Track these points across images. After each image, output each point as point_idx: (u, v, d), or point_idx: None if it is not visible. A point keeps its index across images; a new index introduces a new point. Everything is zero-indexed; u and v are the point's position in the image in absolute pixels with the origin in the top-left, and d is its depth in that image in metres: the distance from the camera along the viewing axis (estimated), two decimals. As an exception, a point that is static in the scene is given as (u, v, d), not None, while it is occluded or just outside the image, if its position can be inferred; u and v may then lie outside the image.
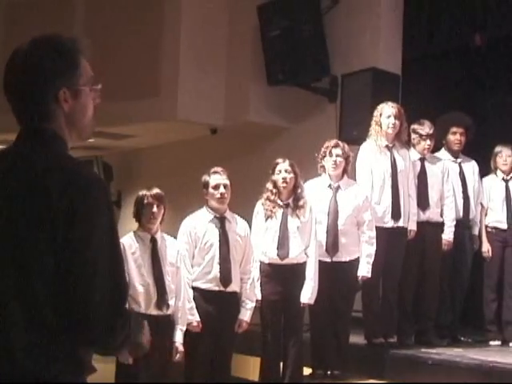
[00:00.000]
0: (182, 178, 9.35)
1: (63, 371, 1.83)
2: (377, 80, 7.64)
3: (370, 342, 6.28)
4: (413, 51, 8.18)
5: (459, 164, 6.92)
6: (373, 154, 6.25)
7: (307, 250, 5.79)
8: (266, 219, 5.81)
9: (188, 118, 8.92)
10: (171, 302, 5.18)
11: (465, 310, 7.01)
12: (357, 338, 6.33)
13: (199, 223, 5.58)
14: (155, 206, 5.20)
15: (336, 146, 6.04)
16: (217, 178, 5.56)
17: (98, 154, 11.08)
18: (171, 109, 8.83)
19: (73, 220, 1.82)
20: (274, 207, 5.79)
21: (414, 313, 6.53)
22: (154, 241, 5.23)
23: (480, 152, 7.21)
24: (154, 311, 5.09)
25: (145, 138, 10.18)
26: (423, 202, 6.49)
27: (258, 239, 5.79)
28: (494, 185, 7.02)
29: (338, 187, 6.06)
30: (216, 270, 5.49)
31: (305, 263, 5.78)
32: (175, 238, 5.51)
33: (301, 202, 5.79)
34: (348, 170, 6.12)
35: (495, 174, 7.06)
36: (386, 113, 6.25)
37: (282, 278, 5.77)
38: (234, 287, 5.54)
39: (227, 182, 5.57)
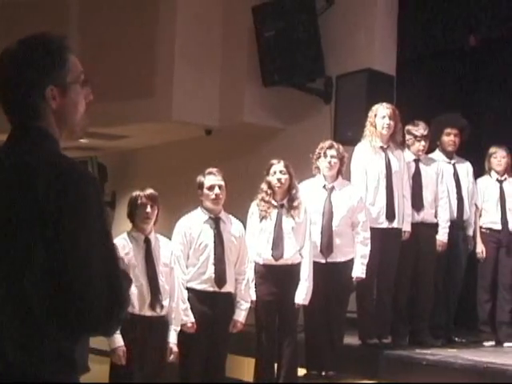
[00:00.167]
0: (176, 178, 9.35)
1: (55, 371, 1.83)
2: (371, 81, 7.65)
3: (365, 343, 6.29)
4: (407, 52, 8.20)
5: (453, 165, 6.93)
6: (367, 155, 6.26)
7: (302, 251, 5.80)
8: (261, 220, 5.81)
9: (183, 118, 8.92)
10: (165, 303, 5.17)
11: (459, 311, 7.03)
12: (351, 339, 6.34)
13: (194, 224, 5.58)
14: (149, 207, 5.20)
15: (331, 146, 6.04)
16: (212, 179, 5.57)
17: (93, 154, 11.08)
18: (166, 109, 8.83)
19: (62, 217, 1.82)
20: (268, 208, 5.80)
21: (408, 313, 6.54)
22: (147, 241, 5.23)
23: (474, 153, 7.23)
24: (147, 312, 5.08)
25: (139, 138, 10.18)
26: (417, 203, 6.50)
27: (253, 240, 5.79)
28: (488, 186, 7.04)
29: (333, 188, 6.06)
30: (211, 271, 5.50)
31: (299, 264, 5.78)
32: (170, 238, 5.51)
33: (295, 203, 5.80)
34: (342, 170, 6.13)
35: (489, 174, 7.07)
36: (381, 113, 6.25)
37: (276, 278, 5.77)
38: (228, 288, 5.54)
39: (222, 183, 5.57)
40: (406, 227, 6.33)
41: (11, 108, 2.00)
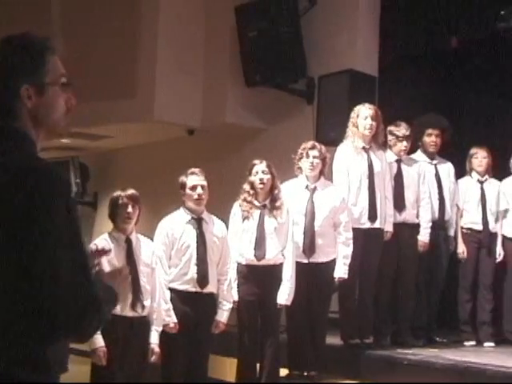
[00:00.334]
0: (159, 178, 9.33)
1: (30, 372, 1.82)
2: (354, 82, 7.67)
3: (347, 343, 6.30)
4: (389, 53, 8.22)
5: (435, 166, 6.96)
6: (350, 156, 6.27)
7: (284, 251, 5.80)
8: (243, 220, 5.81)
9: (165, 118, 8.91)
10: (146, 303, 5.16)
11: (440, 311, 7.06)
12: (333, 339, 6.35)
13: (176, 224, 5.57)
14: (130, 207, 5.19)
15: (313, 147, 6.05)
16: (194, 179, 5.56)
17: (75, 154, 11.04)
18: (148, 110, 8.81)
19: (30, 219, 1.80)
20: (250, 208, 5.80)
21: (390, 314, 6.57)
22: (128, 241, 5.22)
23: (456, 154, 7.27)
24: (129, 312, 5.06)
25: (122, 138, 10.15)
26: (399, 204, 6.52)
27: (235, 240, 5.79)
28: (469, 186, 7.07)
29: (315, 188, 6.07)
30: (193, 271, 5.49)
31: (282, 264, 5.79)
32: (152, 239, 5.50)
33: (278, 203, 5.80)
34: (325, 171, 6.13)
35: (470, 175, 7.11)
36: (363, 114, 6.26)
37: (258, 279, 5.77)
38: (210, 288, 5.54)
39: (204, 183, 5.57)
40: (388, 227, 6.36)
41: None
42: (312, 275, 5.94)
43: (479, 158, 7.04)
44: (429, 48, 8.06)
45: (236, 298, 5.73)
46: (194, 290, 5.48)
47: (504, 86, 8.04)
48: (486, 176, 7.07)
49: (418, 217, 6.65)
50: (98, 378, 5.09)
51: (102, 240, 5.20)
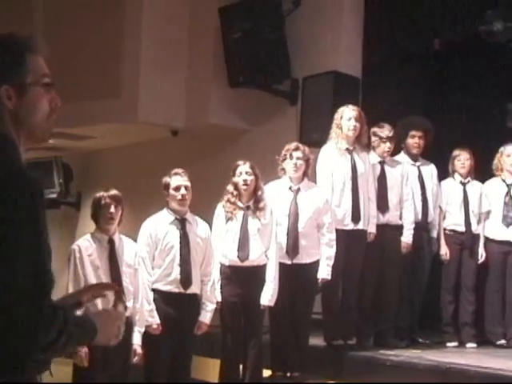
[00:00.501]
0: (142, 179, 9.30)
1: (3, 372, 1.79)
2: (337, 83, 7.70)
3: (330, 344, 6.32)
4: (373, 55, 8.25)
5: (418, 167, 6.98)
6: (333, 157, 6.29)
7: (267, 252, 5.80)
8: (227, 221, 5.81)
9: (149, 119, 8.89)
10: (129, 304, 5.14)
11: (423, 312, 7.08)
12: (316, 340, 6.36)
13: (160, 225, 5.56)
14: (113, 207, 5.17)
15: (296, 148, 6.05)
16: (178, 180, 5.55)
17: (58, 154, 10.98)
18: (132, 110, 8.78)
19: None
20: (234, 209, 5.79)
21: (372, 315, 6.58)
22: (111, 242, 5.20)
23: (439, 155, 7.30)
24: (111, 314, 5.03)
25: (105, 139, 10.11)
26: (383, 205, 6.54)
27: (219, 241, 5.79)
28: (452, 188, 7.10)
29: (299, 190, 6.08)
30: (176, 272, 5.48)
31: (265, 265, 5.79)
32: (136, 239, 5.49)
33: (261, 204, 5.80)
34: (308, 172, 6.14)
35: (453, 177, 7.14)
36: (347, 115, 6.28)
37: (242, 279, 5.77)
38: (194, 289, 5.53)
39: (188, 184, 5.56)
40: (371, 229, 6.37)
41: None
42: (295, 276, 5.95)
43: (462, 159, 7.07)
44: (412, 50, 8.10)
45: (219, 298, 5.73)
46: (177, 290, 5.48)
47: (486, 88, 8.09)
48: (469, 178, 7.10)
49: (401, 218, 6.67)
50: (80, 378, 5.07)
51: (84, 241, 5.19)
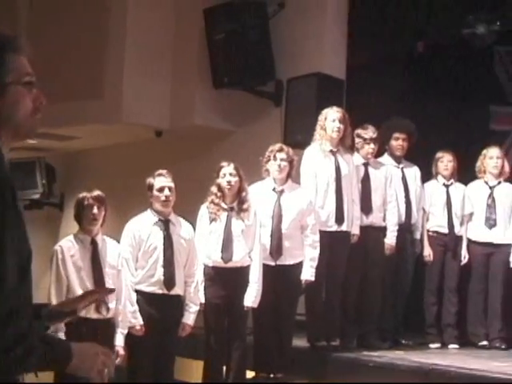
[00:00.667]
0: (126, 180, 9.28)
1: None
2: (322, 85, 7.71)
3: (313, 345, 6.32)
4: (357, 57, 8.27)
5: (401, 169, 7.01)
6: (317, 159, 6.29)
7: (251, 254, 5.80)
8: (211, 222, 5.80)
9: (133, 120, 8.86)
10: (111, 305, 5.13)
11: (406, 314, 7.10)
12: (300, 341, 6.36)
13: (143, 226, 5.55)
14: (95, 208, 5.16)
15: (280, 150, 6.06)
16: (162, 181, 5.54)
17: (41, 155, 10.93)
18: (116, 111, 8.76)
19: None
20: (218, 210, 5.79)
21: (356, 316, 6.59)
22: (94, 243, 5.19)
23: (422, 157, 7.32)
24: (93, 315, 5.02)
25: (89, 139, 10.08)
26: (366, 207, 6.56)
27: (202, 242, 5.78)
28: (435, 190, 7.13)
29: (283, 191, 6.08)
30: (160, 273, 5.47)
31: (249, 266, 5.79)
32: (119, 240, 5.47)
33: (245, 206, 5.80)
34: (292, 174, 6.14)
35: (436, 179, 7.17)
36: (331, 117, 6.29)
37: (225, 281, 5.76)
38: (177, 290, 5.52)
39: (172, 185, 5.55)
40: (355, 230, 6.39)
41: None
42: (279, 277, 5.95)
43: (445, 161, 7.10)
44: (396, 52, 8.13)
45: (203, 300, 5.72)
46: (160, 292, 5.47)
47: (469, 91, 8.13)
48: (452, 180, 7.13)
49: (384, 220, 6.69)
50: (62, 379, 5.04)
51: (67, 241, 5.17)
